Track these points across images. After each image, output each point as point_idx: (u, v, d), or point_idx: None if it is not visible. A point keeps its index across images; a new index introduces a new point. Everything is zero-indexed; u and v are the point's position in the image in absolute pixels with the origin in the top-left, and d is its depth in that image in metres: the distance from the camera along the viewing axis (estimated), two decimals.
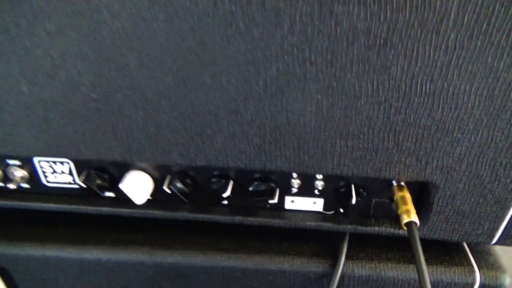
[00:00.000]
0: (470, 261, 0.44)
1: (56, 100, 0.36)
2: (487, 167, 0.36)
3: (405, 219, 0.37)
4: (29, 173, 0.44)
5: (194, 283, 0.45)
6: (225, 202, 0.44)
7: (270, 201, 0.40)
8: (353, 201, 0.39)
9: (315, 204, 0.43)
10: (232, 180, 0.41)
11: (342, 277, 0.43)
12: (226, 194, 0.40)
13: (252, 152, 0.37)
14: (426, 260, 0.44)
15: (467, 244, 0.47)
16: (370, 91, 0.33)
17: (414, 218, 0.37)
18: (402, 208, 0.38)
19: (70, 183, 0.44)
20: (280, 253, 0.44)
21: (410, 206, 0.38)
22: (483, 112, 0.33)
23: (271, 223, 0.43)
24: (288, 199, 0.43)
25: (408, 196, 0.39)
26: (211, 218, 0.43)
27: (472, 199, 0.38)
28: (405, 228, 0.37)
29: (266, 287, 0.45)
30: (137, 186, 0.41)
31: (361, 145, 0.36)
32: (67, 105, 0.36)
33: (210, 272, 0.44)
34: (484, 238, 0.41)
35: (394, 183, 0.40)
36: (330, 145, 0.36)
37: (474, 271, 0.43)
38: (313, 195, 0.42)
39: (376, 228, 0.42)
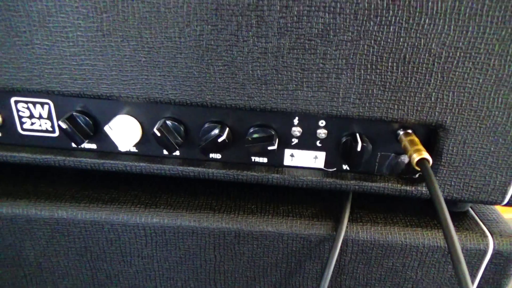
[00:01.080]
0: (481, 227, 0.41)
1: (39, 22, 0.34)
2: (500, 106, 0.34)
3: (416, 158, 0.34)
4: (3, 117, 0.39)
5: (181, 247, 0.40)
6: (219, 156, 0.40)
7: (269, 148, 0.37)
8: (359, 148, 0.36)
9: (316, 160, 0.40)
10: (228, 127, 0.38)
11: (345, 241, 0.39)
12: (222, 138, 0.37)
13: (252, 85, 0.35)
14: (433, 225, 0.40)
15: (475, 213, 0.44)
16: (381, 8, 0.31)
17: (426, 155, 0.34)
18: (412, 149, 0.35)
19: (47, 131, 0.40)
20: (277, 215, 0.40)
21: (420, 147, 0.35)
22: (495, 36, 0.32)
23: (268, 178, 0.39)
24: (287, 153, 0.40)
25: (416, 139, 0.36)
26: (203, 172, 0.39)
27: (484, 146, 0.36)
28: (418, 168, 0.34)
29: (261, 252, 0.40)
30: (123, 129, 0.37)
31: (368, 76, 0.34)
32: (51, 27, 0.34)
33: (200, 234, 0.39)
34: (496, 196, 0.38)
35: (401, 132, 0.38)
36: (335, 76, 0.34)
37: (486, 236, 0.40)
38: (315, 148, 0.39)
39: (382, 184, 0.39)
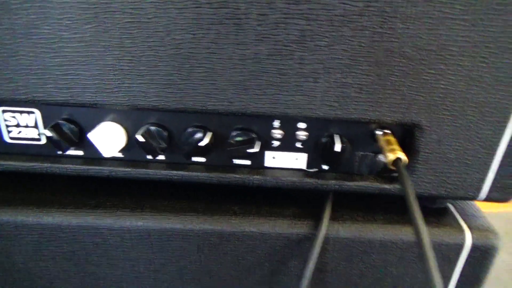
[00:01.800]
0: (459, 222, 0.42)
1: (24, 34, 0.34)
2: (472, 105, 0.36)
3: (391, 157, 0.35)
4: None
5: (166, 249, 0.41)
6: (203, 160, 0.41)
7: (249, 150, 0.38)
8: (337, 148, 0.37)
9: (298, 161, 0.41)
10: (210, 132, 0.39)
11: (326, 238, 0.40)
12: (204, 142, 0.38)
13: (232, 90, 0.36)
14: (404, 222, 0.42)
15: (455, 208, 0.45)
16: (355, 14, 0.32)
17: (400, 155, 0.35)
18: (388, 148, 0.36)
19: (34, 139, 0.41)
20: (259, 216, 0.41)
21: (396, 146, 0.36)
22: (466, 38, 0.33)
23: (250, 180, 0.40)
24: (269, 154, 0.41)
25: (393, 139, 0.37)
26: (187, 175, 0.40)
27: (459, 144, 0.37)
28: (393, 168, 0.36)
29: (245, 252, 0.41)
30: (107, 135, 0.38)
31: (344, 80, 0.35)
32: (35, 39, 0.34)
33: (184, 236, 0.40)
34: (472, 192, 0.40)
35: (378, 132, 0.39)
36: (313, 80, 0.35)
37: (465, 231, 0.41)
38: (296, 149, 0.40)
39: (362, 183, 0.40)
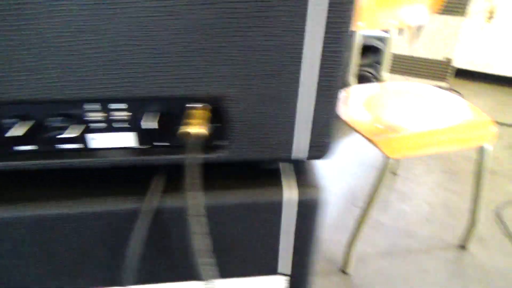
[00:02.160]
0: (283, 181, 0.45)
1: None
2: (268, 73, 0.38)
3: (182, 130, 0.38)
4: None
5: (6, 237, 0.42)
6: (29, 147, 0.42)
7: (67, 135, 0.40)
8: (145, 125, 0.40)
9: (127, 140, 0.42)
10: (32, 120, 0.40)
11: (158, 211, 0.43)
12: (18, 132, 0.38)
13: (25, 78, 0.36)
14: (237, 186, 0.45)
15: (288, 167, 0.48)
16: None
17: (192, 129, 0.38)
18: (185, 122, 0.39)
19: None
20: (93, 196, 0.43)
21: (195, 120, 0.39)
22: (244, 11, 0.35)
23: (79, 163, 0.42)
24: (96, 137, 0.42)
25: (199, 112, 0.40)
26: (13, 165, 0.41)
27: (264, 110, 0.40)
28: (186, 139, 0.38)
29: (84, 231, 0.43)
30: None
31: (135, 60, 0.36)
32: None
33: (22, 224, 0.42)
34: (285, 152, 0.43)
35: (189, 106, 0.41)
36: (110, 62, 0.36)
37: (283, 189, 0.44)
38: (123, 129, 0.42)
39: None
